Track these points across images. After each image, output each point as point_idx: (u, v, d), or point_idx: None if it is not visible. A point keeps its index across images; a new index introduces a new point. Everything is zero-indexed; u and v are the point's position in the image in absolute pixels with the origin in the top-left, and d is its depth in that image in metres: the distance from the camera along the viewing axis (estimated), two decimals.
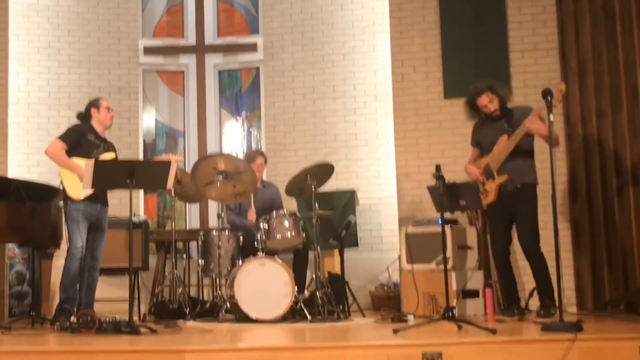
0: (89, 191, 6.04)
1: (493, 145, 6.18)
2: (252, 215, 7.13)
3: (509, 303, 6.19)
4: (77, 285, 6.12)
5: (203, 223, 8.87)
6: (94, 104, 6.42)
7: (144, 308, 7.32)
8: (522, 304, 6.41)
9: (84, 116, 6.43)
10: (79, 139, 6.23)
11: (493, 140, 6.18)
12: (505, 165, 6.08)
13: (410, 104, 8.05)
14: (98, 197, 6.20)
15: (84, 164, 5.85)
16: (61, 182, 6.16)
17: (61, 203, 6.42)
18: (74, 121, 6.56)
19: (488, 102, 6.19)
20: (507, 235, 6.18)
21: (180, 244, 8.09)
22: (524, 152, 6.10)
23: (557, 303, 5.28)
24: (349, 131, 8.69)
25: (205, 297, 7.55)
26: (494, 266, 7.18)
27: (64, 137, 6.23)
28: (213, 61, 9.33)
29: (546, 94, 5.38)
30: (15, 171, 8.12)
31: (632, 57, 6.87)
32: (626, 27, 6.96)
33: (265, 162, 7.63)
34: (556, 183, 5.17)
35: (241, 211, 7.34)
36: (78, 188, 6.08)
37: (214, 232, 6.72)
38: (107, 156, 6.34)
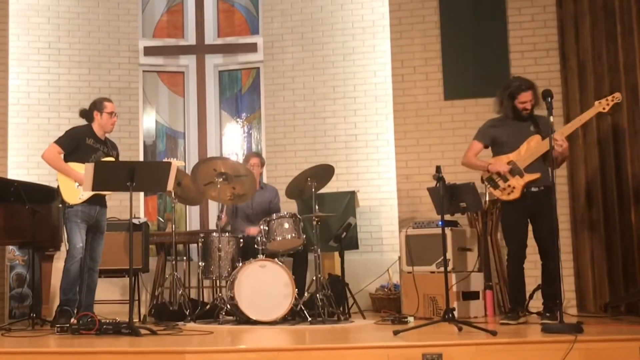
0: (85, 195, 6.03)
1: (518, 144, 6.02)
2: (222, 222, 7.18)
3: (513, 305, 6.05)
4: (77, 287, 6.11)
5: (203, 225, 8.87)
6: (98, 106, 6.32)
7: (144, 310, 7.33)
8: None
9: (86, 116, 6.37)
10: (77, 143, 6.19)
11: (520, 139, 6.01)
12: (532, 165, 5.95)
13: (411, 105, 8.05)
14: (97, 199, 6.18)
15: (82, 169, 5.84)
16: (58, 187, 6.14)
17: (60, 205, 6.40)
18: (75, 122, 6.55)
19: (530, 100, 6.01)
20: (525, 236, 6.02)
21: (180, 246, 8.10)
22: (544, 156, 5.97)
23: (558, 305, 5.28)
24: (349, 132, 8.70)
25: (206, 299, 7.56)
26: (494, 268, 7.19)
27: (60, 142, 6.19)
28: (213, 61, 9.32)
29: (546, 95, 5.38)
30: (15, 173, 8.11)
31: (632, 58, 6.86)
32: (626, 27, 6.95)
33: (263, 164, 7.61)
34: (556, 184, 5.18)
35: (238, 213, 7.33)
36: (73, 193, 6.07)
37: (214, 234, 6.70)
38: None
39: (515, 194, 5.98)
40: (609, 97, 5.81)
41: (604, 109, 5.79)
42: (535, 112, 6.05)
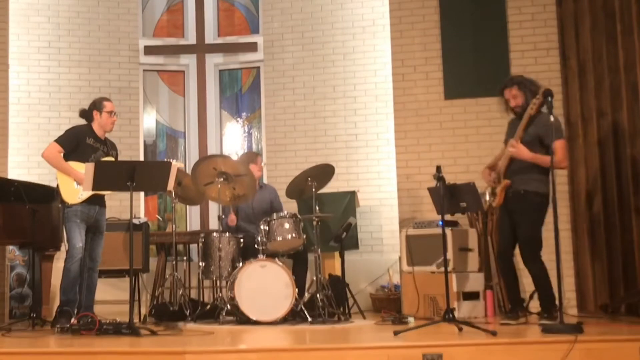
0: (84, 194, 6.03)
1: None
2: (232, 221, 7.17)
3: (512, 306, 6.06)
4: (77, 287, 6.11)
5: (204, 225, 8.87)
6: (97, 106, 6.31)
7: (144, 310, 7.30)
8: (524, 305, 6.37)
9: (86, 116, 6.37)
10: (77, 143, 6.18)
11: (508, 140, 6.03)
12: (512, 169, 5.94)
13: (411, 104, 8.03)
14: (96, 199, 6.17)
15: (82, 168, 5.84)
16: (57, 186, 6.14)
17: (60, 205, 6.40)
18: (75, 122, 6.54)
19: (511, 97, 6.01)
20: (510, 239, 6.03)
21: (180, 246, 8.11)
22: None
23: (557, 306, 5.28)
24: (350, 132, 8.70)
25: (206, 299, 7.53)
26: (494, 268, 7.18)
27: (60, 140, 6.18)
28: (213, 61, 9.32)
29: (546, 94, 5.37)
30: (16, 172, 8.10)
31: (632, 57, 6.87)
32: (626, 27, 6.96)
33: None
34: (556, 184, 5.17)
35: (239, 214, 7.32)
36: (73, 192, 6.07)
37: (215, 234, 6.70)
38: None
39: (497, 201, 6.02)
40: (535, 99, 5.73)
41: (532, 109, 5.74)
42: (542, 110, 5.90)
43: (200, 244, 6.83)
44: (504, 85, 6.10)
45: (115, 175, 5.69)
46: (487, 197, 6.11)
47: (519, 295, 6.13)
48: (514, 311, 5.95)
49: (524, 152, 5.81)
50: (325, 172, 6.86)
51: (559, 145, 5.76)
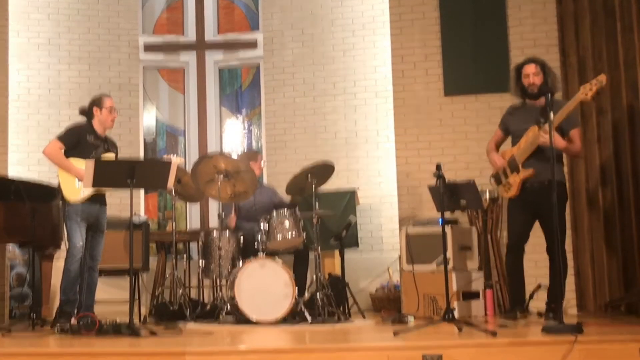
0: (86, 193, 6.03)
1: (522, 134, 5.89)
2: (232, 222, 7.12)
3: (512, 305, 6.03)
4: (77, 287, 6.11)
5: (204, 224, 8.87)
6: (97, 103, 6.31)
7: (144, 310, 7.30)
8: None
9: (86, 113, 6.36)
10: (78, 140, 6.18)
11: (524, 128, 5.87)
12: (531, 159, 5.82)
13: (411, 101, 8.03)
14: (97, 198, 6.17)
15: (83, 165, 5.84)
16: (59, 184, 6.14)
17: (60, 203, 6.39)
18: (75, 119, 6.54)
19: (533, 73, 5.90)
20: (525, 233, 5.96)
21: (180, 245, 8.10)
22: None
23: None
24: (349, 129, 8.70)
25: (206, 299, 7.53)
26: (494, 267, 7.17)
27: (61, 137, 6.18)
28: (213, 58, 9.33)
29: (547, 92, 5.35)
30: (15, 169, 8.12)
31: (632, 55, 6.84)
32: (626, 24, 6.93)
33: None
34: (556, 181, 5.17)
35: (240, 212, 7.32)
36: (74, 190, 6.07)
37: (215, 233, 6.69)
38: (107, 157, 6.30)
39: (512, 191, 5.92)
40: (593, 81, 5.61)
41: (586, 94, 5.57)
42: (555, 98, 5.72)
43: (200, 243, 6.82)
44: (524, 61, 6.01)
45: (115, 172, 5.68)
46: (492, 188, 6.06)
47: (524, 294, 6.09)
48: (514, 311, 5.93)
49: (558, 141, 5.69)
50: (325, 170, 6.84)
51: (577, 134, 5.90)
